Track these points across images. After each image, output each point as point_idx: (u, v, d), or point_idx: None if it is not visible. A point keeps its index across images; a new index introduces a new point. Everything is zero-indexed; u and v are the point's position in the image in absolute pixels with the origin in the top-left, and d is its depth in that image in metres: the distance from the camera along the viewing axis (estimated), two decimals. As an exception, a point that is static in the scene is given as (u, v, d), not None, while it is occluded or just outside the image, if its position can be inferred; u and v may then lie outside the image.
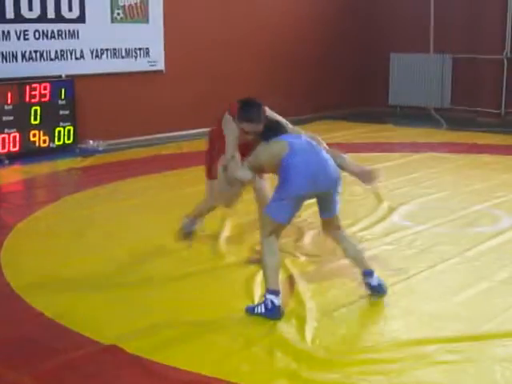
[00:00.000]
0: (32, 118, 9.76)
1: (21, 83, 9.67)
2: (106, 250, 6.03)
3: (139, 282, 5.29)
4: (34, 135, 9.84)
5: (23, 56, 9.87)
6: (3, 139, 9.51)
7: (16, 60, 9.81)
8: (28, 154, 9.72)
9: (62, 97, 10.04)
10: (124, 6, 10.93)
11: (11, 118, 9.55)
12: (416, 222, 6.74)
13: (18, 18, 9.74)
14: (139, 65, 11.25)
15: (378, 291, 4.90)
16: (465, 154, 10.11)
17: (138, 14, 11.11)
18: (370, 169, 4.97)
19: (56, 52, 10.22)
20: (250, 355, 4.10)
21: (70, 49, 10.37)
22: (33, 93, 9.73)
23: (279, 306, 4.59)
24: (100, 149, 10.56)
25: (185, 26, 11.69)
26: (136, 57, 11.19)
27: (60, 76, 10.21)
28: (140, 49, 11.21)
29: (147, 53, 11.31)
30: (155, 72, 11.47)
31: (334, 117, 13.57)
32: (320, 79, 14.01)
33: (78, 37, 10.42)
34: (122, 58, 11.00)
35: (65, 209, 7.42)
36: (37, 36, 9.99)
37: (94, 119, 10.65)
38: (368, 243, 6.02)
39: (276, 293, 4.61)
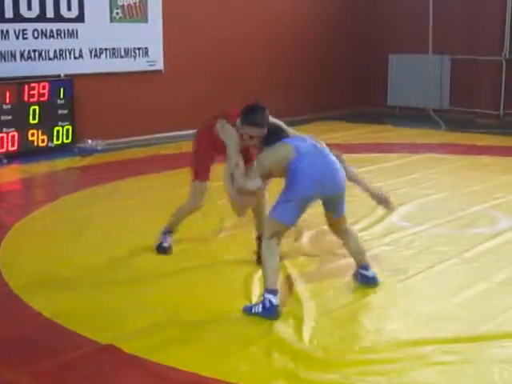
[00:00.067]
0: (31, 117, 9.75)
1: (19, 82, 9.66)
2: (105, 249, 6.03)
3: (138, 281, 5.29)
4: (33, 134, 9.83)
5: (22, 55, 9.87)
6: (2, 138, 9.50)
7: (15, 59, 9.80)
8: (26, 153, 9.71)
9: (61, 96, 10.03)
10: (123, 5, 10.92)
11: (10, 117, 9.53)
12: (415, 222, 6.74)
13: (17, 18, 9.74)
14: (138, 64, 11.25)
15: (370, 282, 5.09)
16: (464, 155, 10.10)
17: (137, 14, 11.11)
18: (386, 195, 5.14)
19: (55, 51, 10.21)
20: (248, 355, 4.10)
21: (69, 48, 10.37)
22: (31, 92, 9.72)
23: (277, 306, 4.59)
24: (99, 148, 10.56)
25: (184, 26, 11.69)
26: (135, 56, 11.18)
27: (59, 75, 10.20)
28: (139, 48, 11.21)
29: (146, 52, 11.31)
30: (154, 72, 11.47)
31: (333, 117, 13.57)
32: (319, 79, 14.01)
33: (76, 36, 10.42)
34: (121, 57, 11.00)
35: (63, 208, 7.42)
36: (36, 35, 9.99)
37: (93, 119, 10.64)
38: (367, 243, 5.98)
39: (274, 292, 4.62)
